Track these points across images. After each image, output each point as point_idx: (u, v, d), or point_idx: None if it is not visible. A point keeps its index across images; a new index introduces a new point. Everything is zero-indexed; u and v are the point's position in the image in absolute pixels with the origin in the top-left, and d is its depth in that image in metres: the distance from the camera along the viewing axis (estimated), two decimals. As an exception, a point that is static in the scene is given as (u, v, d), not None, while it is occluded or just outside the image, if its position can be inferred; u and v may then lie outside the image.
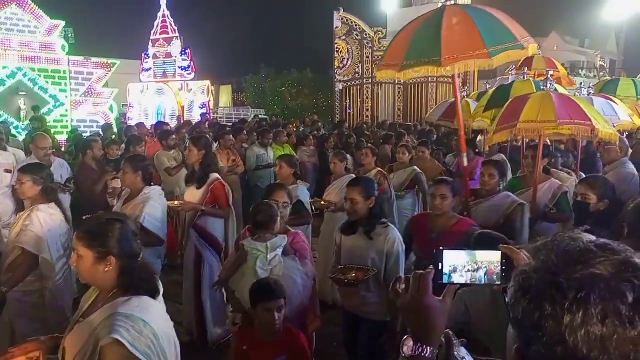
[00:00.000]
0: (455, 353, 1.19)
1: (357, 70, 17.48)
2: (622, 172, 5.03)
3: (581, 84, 8.07)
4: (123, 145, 7.17)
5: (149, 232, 3.63)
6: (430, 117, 9.50)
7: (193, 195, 4.45)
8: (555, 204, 4.31)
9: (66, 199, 4.71)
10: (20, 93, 12.06)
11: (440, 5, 4.44)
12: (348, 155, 6.34)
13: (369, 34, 17.22)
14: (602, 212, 3.23)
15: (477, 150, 7.01)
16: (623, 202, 2.92)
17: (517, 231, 3.72)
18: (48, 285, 3.36)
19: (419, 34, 3.99)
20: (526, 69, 7.33)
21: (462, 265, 1.18)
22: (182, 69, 17.33)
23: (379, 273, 3.17)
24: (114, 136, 9.16)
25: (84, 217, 2.10)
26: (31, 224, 3.30)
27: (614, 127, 5.53)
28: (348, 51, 17.36)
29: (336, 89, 17.83)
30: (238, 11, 47.63)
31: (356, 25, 17.29)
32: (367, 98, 17.72)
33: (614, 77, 13.12)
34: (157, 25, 17.65)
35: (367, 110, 17.76)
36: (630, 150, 6.04)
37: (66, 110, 12.86)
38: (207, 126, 11.15)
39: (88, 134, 10.12)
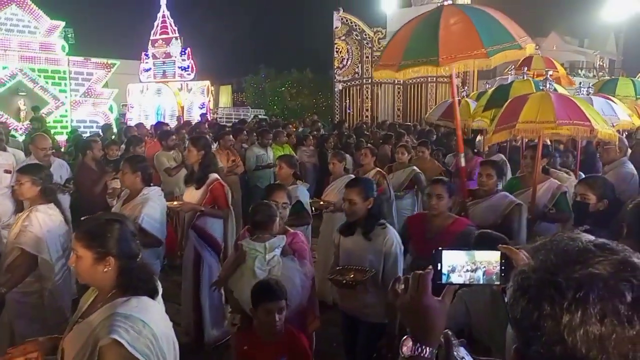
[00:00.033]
0: (455, 353, 1.19)
1: (356, 70, 17.47)
2: (622, 172, 5.04)
3: (580, 83, 8.06)
4: (123, 146, 7.18)
5: (147, 233, 3.62)
6: (430, 117, 9.51)
7: (192, 195, 4.45)
8: (554, 204, 4.31)
9: (65, 199, 4.71)
10: (20, 93, 12.07)
11: (438, 5, 4.44)
12: (347, 156, 6.34)
13: (368, 34, 17.22)
14: (602, 212, 3.22)
15: (475, 150, 7.01)
16: (622, 202, 2.91)
17: (514, 231, 3.72)
18: (47, 285, 3.36)
19: (416, 34, 3.99)
20: (525, 68, 7.34)
21: (460, 265, 1.18)
22: (182, 69, 17.33)
23: (377, 274, 3.16)
24: (113, 136, 9.17)
25: (82, 218, 2.09)
26: (30, 225, 3.29)
27: (613, 126, 5.53)
28: (348, 51, 17.36)
29: (336, 89, 17.83)
30: (238, 11, 47.69)
31: (356, 26, 17.29)
32: (367, 98, 17.72)
33: (612, 77, 13.11)
34: (157, 26, 17.65)
35: (367, 110, 17.76)
36: (630, 150, 6.04)
37: (66, 111, 12.87)
38: (206, 126, 11.14)
39: (88, 135, 10.12)
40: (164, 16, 17.48)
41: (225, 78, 36.09)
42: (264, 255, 3.03)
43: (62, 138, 11.76)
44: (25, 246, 3.26)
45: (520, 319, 0.85)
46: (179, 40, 17.37)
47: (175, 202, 4.61)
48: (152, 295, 1.95)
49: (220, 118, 23.78)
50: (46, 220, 3.36)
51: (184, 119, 15.04)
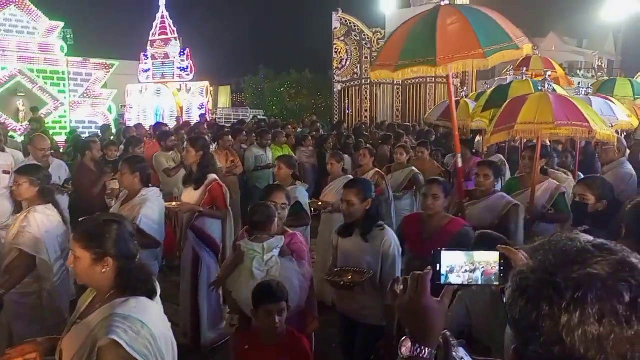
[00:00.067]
0: (454, 354, 1.19)
1: (355, 70, 17.49)
2: (620, 173, 5.04)
3: (579, 84, 8.07)
4: (122, 146, 7.16)
5: (145, 234, 3.60)
6: (429, 118, 9.50)
7: (190, 196, 4.45)
8: (552, 204, 4.31)
9: (64, 200, 4.70)
10: (19, 94, 12.07)
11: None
12: (346, 156, 6.33)
13: (367, 35, 17.24)
14: (601, 212, 3.23)
15: (474, 151, 7.02)
16: (621, 203, 2.92)
17: (511, 232, 3.72)
18: (46, 286, 3.35)
19: (413, 34, 3.98)
20: (524, 69, 7.34)
21: (459, 265, 1.18)
22: (181, 70, 17.33)
23: (375, 276, 3.15)
24: (112, 137, 9.17)
25: (80, 219, 2.09)
26: (28, 225, 3.29)
27: (612, 127, 5.54)
28: (347, 52, 17.37)
29: (335, 90, 17.84)
30: (237, 12, 47.65)
31: (355, 26, 17.31)
32: (366, 98, 17.74)
33: (611, 77, 13.14)
34: (156, 26, 17.64)
35: (366, 110, 17.77)
36: (628, 151, 6.05)
37: (65, 111, 12.87)
38: (205, 127, 11.14)
39: (86, 135, 10.12)
40: (163, 17, 17.48)
41: (225, 78, 36.09)
42: (262, 255, 3.02)
43: (61, 139, 11.75)
44: (23, 247, 3.26)
45: (518, 319, 0.85)
46: (178, 41, 17.36)
47: (173, 203, 4.60)
48: (151, 295, 1.95)
49: (219, 118, 23.75)
50: (44, 221, 3.36)
51: (183, 120, 15.04)
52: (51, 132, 10.57)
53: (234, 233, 4.63)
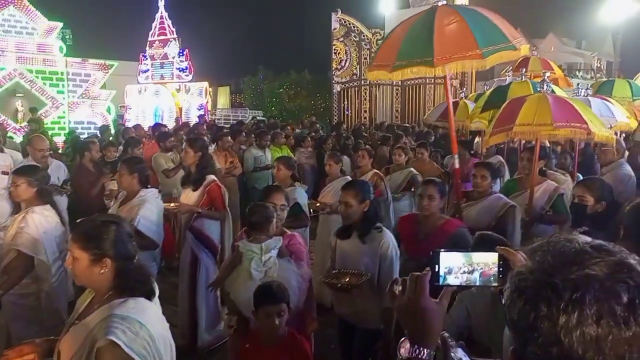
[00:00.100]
0: (452, 355, 1.19)
1: (354, 71, 17.47)
2: (619, 174, 5.04)
3: (578, 85, 8.08)
4: (120, 147, 7.16)
5: (143, 235, 3.59)
6: (428, 119, 9.51)
7: (189, 197, 4.44)
8: (551, 205, 4.31)
9: (63, 200, 4.69)
10: (18, 95, 12.06)
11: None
12: (345, 157, 6.33)
13: (366, 36, 17.23)
14: (600, 213, 3.23)
15: (472, 152, 7.02)
16: (620, 204, 2.92)
17: (508, 233, 3.71)
18: (44, 287, 3.35)
19: (410, 34, 3.98)
20: (524, 70, 7.35)
21: (457, 267, 1.18)
22: (180, 71, 17.32)
23: (373, 278, 3.14)
24: (111, 138, 9.16)
25: (78, 220, 2.08)
26: (26, 226, 3.29)
27: (611, 128, 5.54)
28: (346, 52, 17.36)
29: (334, 91, 17.82)
30: (236, 12, 47.72)
31: (354, 27, 17.30)
32: (365, 99, 17.72)
33: (609, 78, 13.15)
34: (155, 27, 17.64)
35: (365, 111, 17.76)
36: (627, 152, 6.05)
37: (63, 112, 12.86)
38: (204, 128, 11.13)
39: (85, 136, 10.12)
40: (162, 17, 17.48)
41: (224, 79, 36.09)
42: (260, 256, 3.02)
43: (59, 139, 11.75)
44: (21, 247, 3.25)
45: (517, 320, 0.85)
46: (177, 42, 17.36)
47: (172, 204, 4.59)
48: (149, 296, 1.95)
49: (218, 119, 23.72)
50: (42, 222, 3.35)
51: (182, 120, 15.03)
52: (50, 132, 10.56)
53: (232, 234, 4.62)
